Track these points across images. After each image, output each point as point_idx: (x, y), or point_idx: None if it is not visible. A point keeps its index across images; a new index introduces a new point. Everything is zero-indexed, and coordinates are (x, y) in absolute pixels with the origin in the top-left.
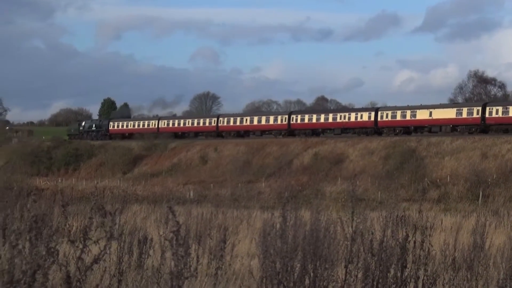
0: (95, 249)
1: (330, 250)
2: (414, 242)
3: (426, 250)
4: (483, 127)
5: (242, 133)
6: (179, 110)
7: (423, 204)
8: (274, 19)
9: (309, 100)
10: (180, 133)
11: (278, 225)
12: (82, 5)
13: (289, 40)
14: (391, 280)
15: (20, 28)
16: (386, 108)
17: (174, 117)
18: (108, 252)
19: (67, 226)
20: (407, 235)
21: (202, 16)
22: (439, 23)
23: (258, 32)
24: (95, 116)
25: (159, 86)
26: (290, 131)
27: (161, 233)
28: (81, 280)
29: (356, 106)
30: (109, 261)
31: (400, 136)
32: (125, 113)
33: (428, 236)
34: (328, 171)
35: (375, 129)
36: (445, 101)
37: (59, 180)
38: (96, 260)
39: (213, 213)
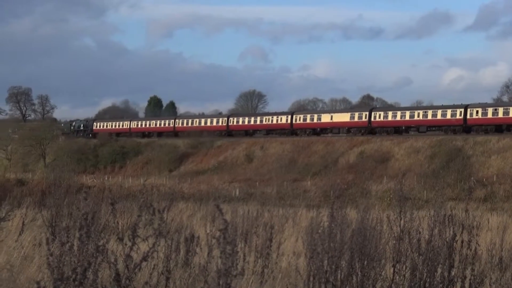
0: (143, 247)
1: (378, 249)
2: (462, 242)
3: (473, 249)
4: (370, 129)
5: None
6: (224, 108)
7: (469, 203)
8: (325, 18)
9: (355, 99)
10: (147, 133)
11: (326, 224)
12: (134, 3)
13: (339, 38)
14: (438, 279)
15: (73, 26)
16: (299, 112)
17: (143, 118)
18: (156, 249)
19: (116, 223)
20: (455, 235)
21: (253, 15)
22: (492, 22)
23: (308, 30)
24: (142, 114)
25: (207, 84)
26: (229, 131)
27: (207, 230)
28: (130, 277)
29: (402, 105)
30: (157, 258)
31: (446, 135)
32: (172, 112)
33: (475, 236)
34: (373, 169)
35: (291, 131)
36: (490, 100)
37: (106, 178)
38: (145, 258)
39: (259, 211)
